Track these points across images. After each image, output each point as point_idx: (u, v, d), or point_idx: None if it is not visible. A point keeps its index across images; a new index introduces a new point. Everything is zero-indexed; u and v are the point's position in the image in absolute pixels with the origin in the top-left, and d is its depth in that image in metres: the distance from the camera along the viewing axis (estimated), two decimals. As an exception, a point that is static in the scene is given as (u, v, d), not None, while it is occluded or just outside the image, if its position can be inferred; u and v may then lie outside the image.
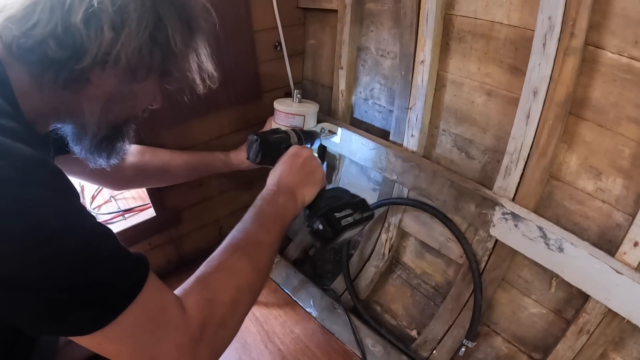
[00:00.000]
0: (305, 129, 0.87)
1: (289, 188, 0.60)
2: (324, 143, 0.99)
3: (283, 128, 0.80)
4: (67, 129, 0.49)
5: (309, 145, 0.81)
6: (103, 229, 0.38)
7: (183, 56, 0.48)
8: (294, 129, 0.79)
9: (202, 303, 0.42)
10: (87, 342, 0.36)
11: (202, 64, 0.52)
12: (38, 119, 0.43)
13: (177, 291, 0.43)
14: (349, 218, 0.59)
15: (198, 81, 0.53)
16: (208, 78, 0.54)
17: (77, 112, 0.45)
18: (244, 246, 0.50)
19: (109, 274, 0.36)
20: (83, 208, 0.38)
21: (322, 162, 1.11)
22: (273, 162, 0.67)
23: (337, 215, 0.58)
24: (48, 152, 0.53)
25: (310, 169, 0.64)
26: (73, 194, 0.38)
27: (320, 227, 0.58)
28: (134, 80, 0.45)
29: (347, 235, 0.62)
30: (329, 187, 0.68)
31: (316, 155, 0.77)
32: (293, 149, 0.67)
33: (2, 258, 0.31)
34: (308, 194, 0.62)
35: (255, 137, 0.71)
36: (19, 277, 0.31)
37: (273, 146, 0.71)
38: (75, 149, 0.50)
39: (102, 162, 0.53)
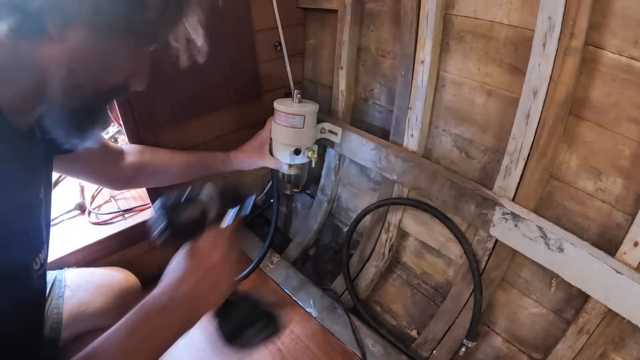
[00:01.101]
0: (237, 189, 0.63)
1: (186, 300, 0.48)
2: (324, 140, 0.98)
3: (205, 191, 0.57)
4: (43, 109, 0.44)
5: (236, 209, 0.58)
6: None
7: (158, 12, 0.40)
8: (223, 187, 0.58)
9: None
10: None
11: (186, 26, 0.44)
12: (16, 108, 0.41)
13: None
14: (253, 338, 0.53)
15: (181, 47, 0.45)
16: (194, 46, 0.46)
17: (44, 80, 0.41)
18: None
19: None
20: None
21: (322, 163, 1.12)
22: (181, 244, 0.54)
23: (244, 336, 0.53)
24: (35, 147, 0.49)
25: (217, 279, 0.51)
26: None
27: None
28: (99, 38, 0.39)
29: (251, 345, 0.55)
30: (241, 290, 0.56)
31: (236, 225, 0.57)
32: (206, 240, 0.52)
33: None
34: (207, 308, 0.51)
35: (161, 208, 0.52)
36: None
37: (182, 233, 0.53)
38: (49, 126, 0.44)
39: (75, 142, 0.46)
